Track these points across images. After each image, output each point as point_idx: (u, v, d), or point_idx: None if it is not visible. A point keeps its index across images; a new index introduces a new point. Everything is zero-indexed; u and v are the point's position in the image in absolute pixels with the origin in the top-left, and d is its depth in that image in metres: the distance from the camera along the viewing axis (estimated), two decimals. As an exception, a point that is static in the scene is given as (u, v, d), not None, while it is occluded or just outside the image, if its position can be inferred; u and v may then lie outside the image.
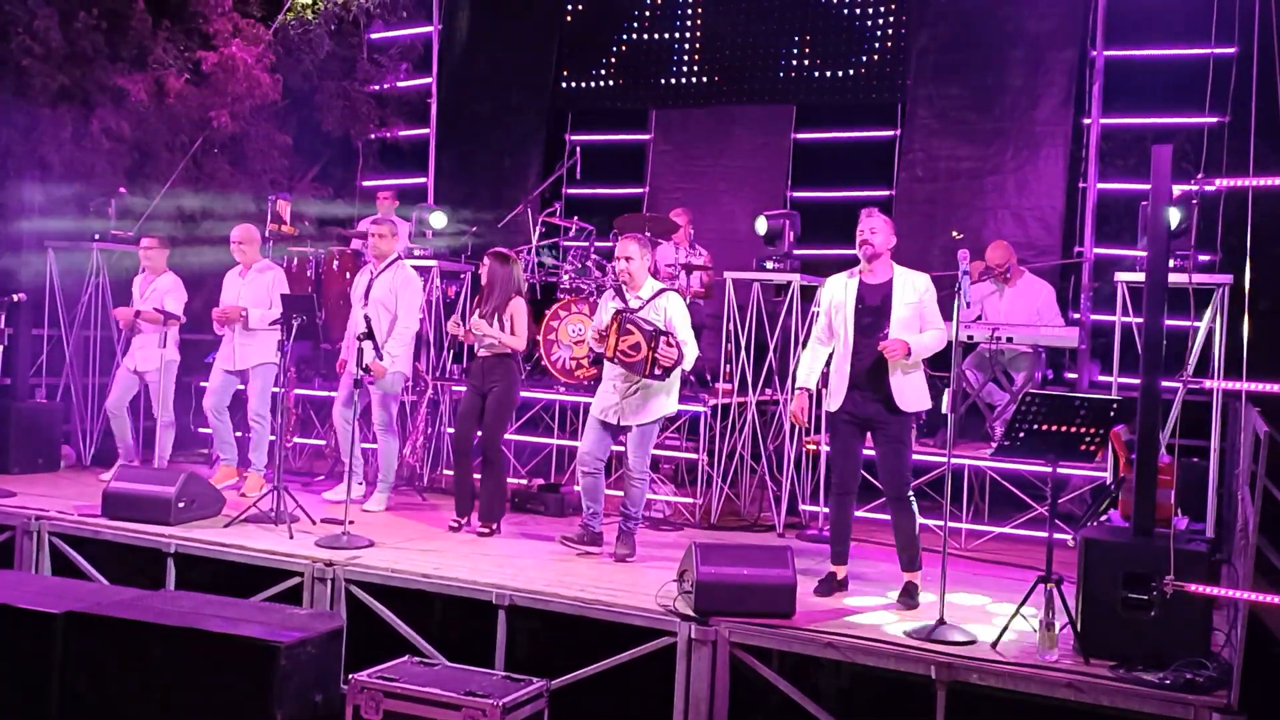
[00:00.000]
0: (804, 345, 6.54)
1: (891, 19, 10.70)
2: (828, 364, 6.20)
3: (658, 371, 6.47)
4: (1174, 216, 6.43)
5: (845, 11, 10.85)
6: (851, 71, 10.81)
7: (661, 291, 6.77)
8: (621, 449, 6.89)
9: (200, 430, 9.84)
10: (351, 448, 7.50)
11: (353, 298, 8.01)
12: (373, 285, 7.82)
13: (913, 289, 5.95)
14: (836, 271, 6.31)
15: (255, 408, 8.25)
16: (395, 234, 8.06)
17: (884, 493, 6.16)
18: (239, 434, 8.55)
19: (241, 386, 8.38)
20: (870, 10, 10.76)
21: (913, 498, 6.01)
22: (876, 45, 10.74)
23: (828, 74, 10.89)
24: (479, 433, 7.29)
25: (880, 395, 5.91)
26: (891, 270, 6.02)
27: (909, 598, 5.92)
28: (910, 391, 5.92)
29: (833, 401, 6.08)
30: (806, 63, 10.98)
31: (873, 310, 5.96)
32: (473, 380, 7.37)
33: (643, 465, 6.75)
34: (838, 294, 6.10)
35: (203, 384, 9.42)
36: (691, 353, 6.65)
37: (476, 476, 7.38)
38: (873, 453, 6.11)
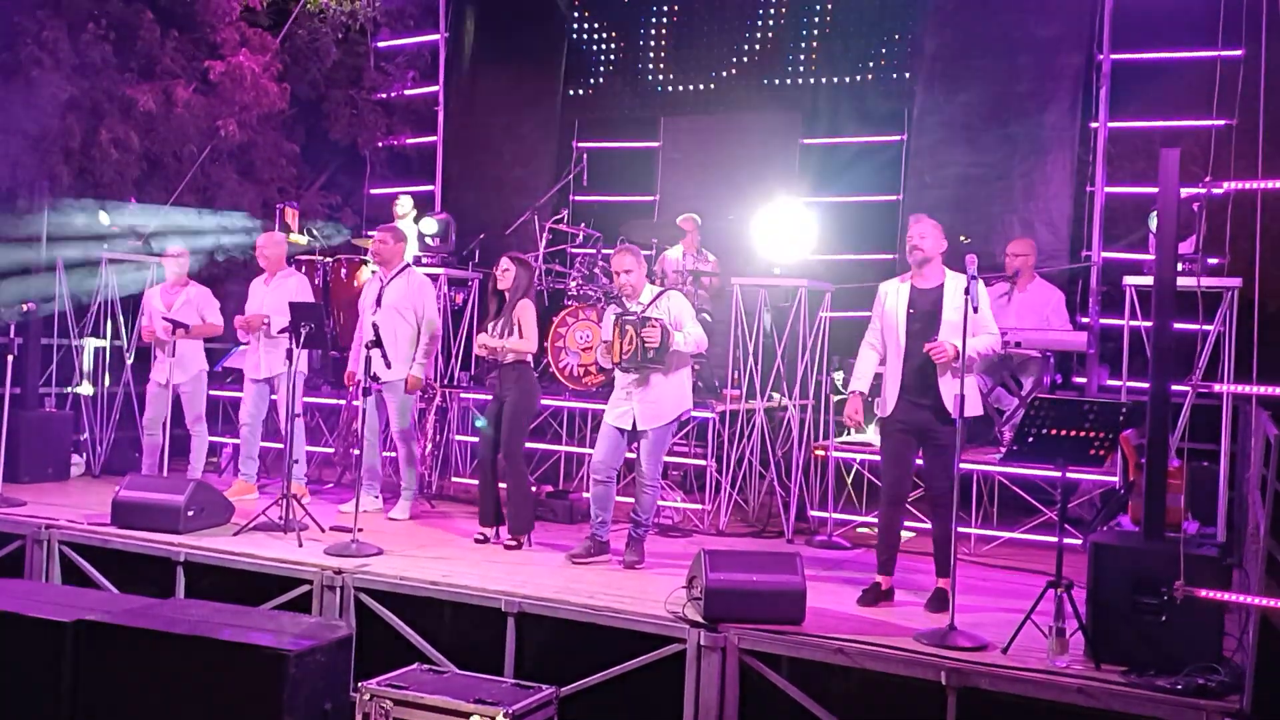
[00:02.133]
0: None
1: (899, 26, 10.70)
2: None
3: (649, 354, 6.49)
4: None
5: (853, 18, 10.85)
6: (859, 78, 10.80)
7: (661, 293, 6.81)
8: (633, 455, 6.90)
9: (209, 439, 9.86)
10: (377, 457, 7.54)
11: (361, 306, 8.01)
12: (383, 293, 7.82)
13: (963, 294, 5.87)
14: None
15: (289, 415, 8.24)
16: (402, 243, 8.05)
17: (926, 494, 6.13)
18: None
19: (274, 396, 8.35)
20: (878, 17, 10.75)
21: (952, 501, 5.98)
22: (884, 52, 10.74)
23: (836, 80, 10.89)
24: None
25: (930, 401, 5.90)
26: (943, 275, 6.01)
27: (937, 603, 5.89)
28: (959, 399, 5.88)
29: (885, 407, 6.08)
30: (815, 69, 10.98)
31: (924, 315, 5.95)
32: (495, 389, 7.34)
33: (655, 471, 6.76)
34: (889, 299, 6.12)
35: (213, 393, 9.44)
36: (693, 335, 6.64)
37: (502, 486, 7.29)
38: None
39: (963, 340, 5.52)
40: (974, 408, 5.96)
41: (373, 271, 8.33)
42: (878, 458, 7.69)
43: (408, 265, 8.01)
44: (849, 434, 7.71)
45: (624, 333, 6.58)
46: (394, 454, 8.15)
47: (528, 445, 9.12)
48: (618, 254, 6.86)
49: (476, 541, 7.20)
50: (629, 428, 6.70)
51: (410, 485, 7.95)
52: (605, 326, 6.87)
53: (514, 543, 7.11)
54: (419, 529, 7.61)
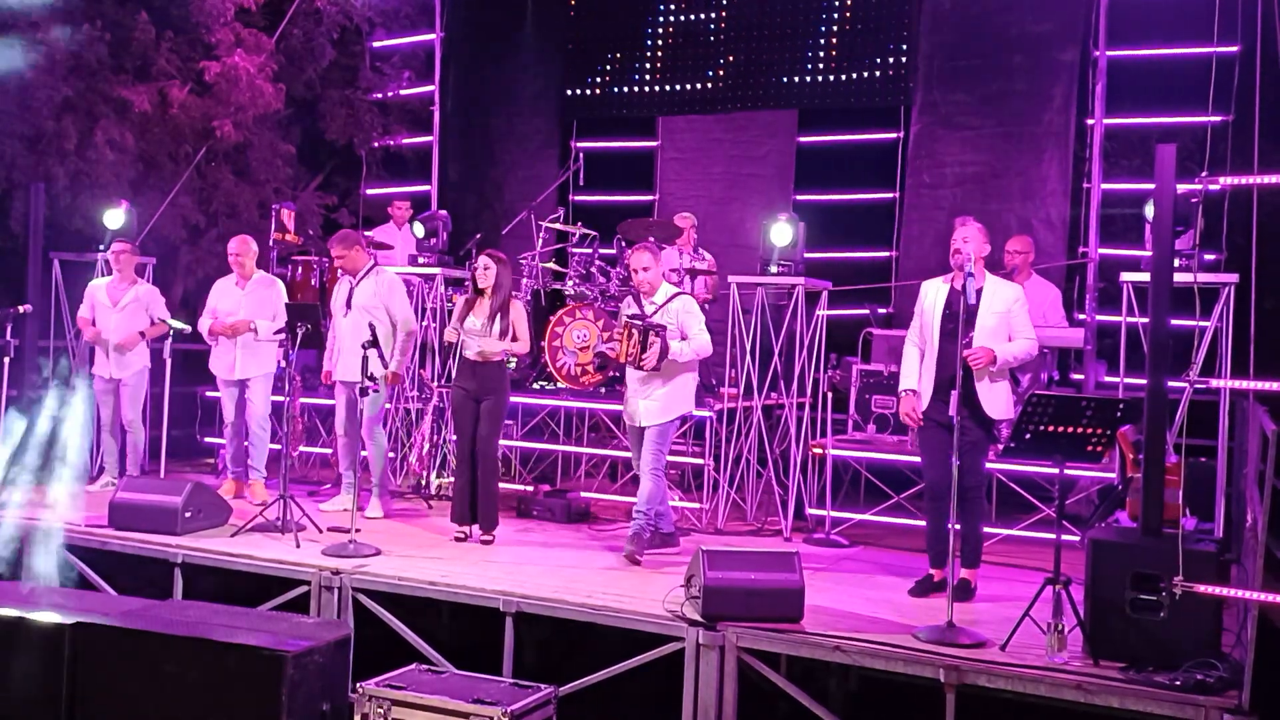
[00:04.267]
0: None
1: (896, 25, 10.68)
2: None
3: (643, 365, 6.68)
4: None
5: (850, 16, 10.84)
6: (856, 76, 10.79)
7: (675, 295, 6.93)
8: None
9: (206, 440, 9.86)
10: (355, 457, 7.52)
11: (332, 308, 7.99)
12: (353, 293, 7.80)
13: (1001, 299, 5.98)
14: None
15: (258, 416, 8.25)
16: (356, 246, 7.91)
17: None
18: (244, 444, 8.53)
19: (248, 396, 8.34)
20: (875, 16, 10.73)
21: (980, 496, 6.01)
22: (882, 50, 10.72)
23: (833, 79, 10.88)
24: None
25: (965, 401, 5.89)
26: (983, 278, 6.00)
27: (961, 592, 5.91)
28: (993, 400, 5.96)
29: (920, 403, 6.14)
30: (811, 68, 10.95)
31: (958, 318, 5.93)
32: (463, 384, 7.27)
33: (657, 463, 6.85)
34: (928, 299, 6.19)
35: (209, 394, 9.43)
36: (695, 344, 6.79)
37: None
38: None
39: (960, 335, 5.53)
40: (1005, 411, 6.05)
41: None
42: (875, 455, 7.73)
43: (374, 265, 7.97)
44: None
45: (630, 335, 6.73)
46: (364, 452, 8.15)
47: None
48: (636, 251, 7.02)
49: (457, 540, 7.17)
50: (635, 424, 6.90)
51: (380, 483, 7.95)
52: (620, 318, 7.04)
53: (489, 538, 7.14)
54: (415, 529, 7.60)
